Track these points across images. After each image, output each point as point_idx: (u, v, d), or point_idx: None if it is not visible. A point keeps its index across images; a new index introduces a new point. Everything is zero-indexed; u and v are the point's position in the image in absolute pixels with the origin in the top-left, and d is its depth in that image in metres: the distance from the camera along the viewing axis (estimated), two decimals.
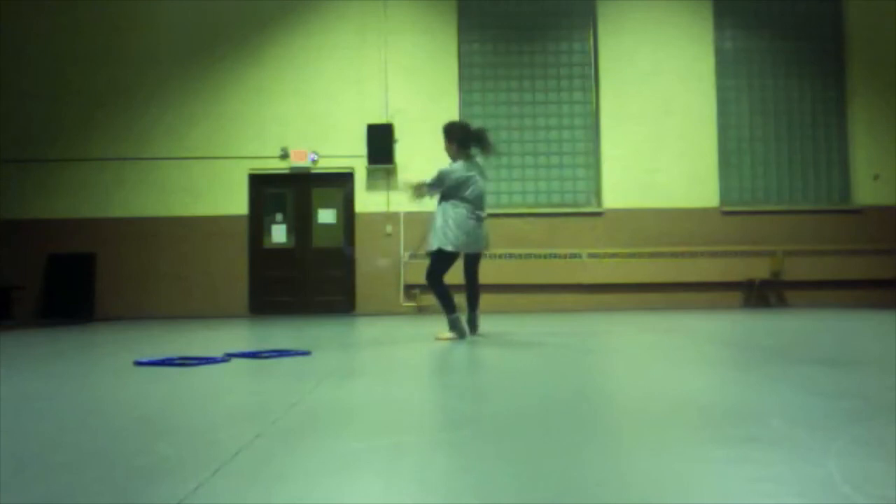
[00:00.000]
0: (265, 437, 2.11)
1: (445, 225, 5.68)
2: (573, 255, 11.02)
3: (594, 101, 11.51)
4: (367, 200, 11.15)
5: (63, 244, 10.91)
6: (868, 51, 11.54)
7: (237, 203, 11.14)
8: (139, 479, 1.69)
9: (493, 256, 10.63)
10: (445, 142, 5.91)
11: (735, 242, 11.09)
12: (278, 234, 11.31)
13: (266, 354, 4.48)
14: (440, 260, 5.74)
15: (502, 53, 11.58)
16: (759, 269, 10.99)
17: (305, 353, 4.55)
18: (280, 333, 6.90)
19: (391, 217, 11.05)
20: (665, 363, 4.13)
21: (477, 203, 5.75)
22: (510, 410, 2.59)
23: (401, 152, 10.93)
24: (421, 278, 10.85)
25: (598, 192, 11.37)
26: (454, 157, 5.85)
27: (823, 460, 1.73)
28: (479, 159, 5.95)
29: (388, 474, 1.72)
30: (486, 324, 7.21)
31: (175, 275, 10.96)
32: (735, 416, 2.40)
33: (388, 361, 4.51)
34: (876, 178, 11.36)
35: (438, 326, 6.23)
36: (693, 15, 11.54)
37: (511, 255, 10.87)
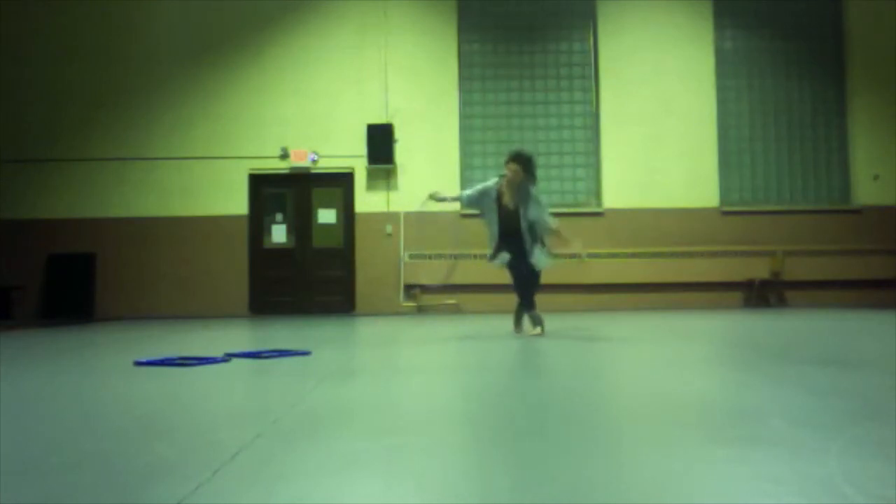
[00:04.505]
0: (265, 437, 2.11)
1: None
2: (573, 255, 10.98)
3: (594, 101, 11.50)
4: (367, 200, 11.14)
5: (63, 244, 10.90)
6: (868, 51, 11.52)
7: (237, 203, 11.13)
8: (139, 479, 1.69)
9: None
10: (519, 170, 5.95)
11: (735, 242, 11.08)
12: (278, 234, 11.30)
13: (266, 354, 4.47)
14: None
15: (502, 53, 11.57)
16: (759, 269, 10.98)
17: (305, 353, 4.55)
18: (280, 333, 6.89)
19: (391, 217, 11.04)
20: (665, 363, 4.13)
21: None
22: (510, 410, 2.59)
23: (401, 152, 10.93)
24: (420, 278, 10.97)
25: (598, 192, 11.36)
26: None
27: (823, 460, 1.73)
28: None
29: (388, 474, 1.72)
30: (486, 323, 7.21)
31: (175, 275, 10.95)
32: (735, 416, 2.40)
33: (387, 361, 4.52)
34: (876, 178, 11.34)
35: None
36: (693, 15, 11.53)
37: None
